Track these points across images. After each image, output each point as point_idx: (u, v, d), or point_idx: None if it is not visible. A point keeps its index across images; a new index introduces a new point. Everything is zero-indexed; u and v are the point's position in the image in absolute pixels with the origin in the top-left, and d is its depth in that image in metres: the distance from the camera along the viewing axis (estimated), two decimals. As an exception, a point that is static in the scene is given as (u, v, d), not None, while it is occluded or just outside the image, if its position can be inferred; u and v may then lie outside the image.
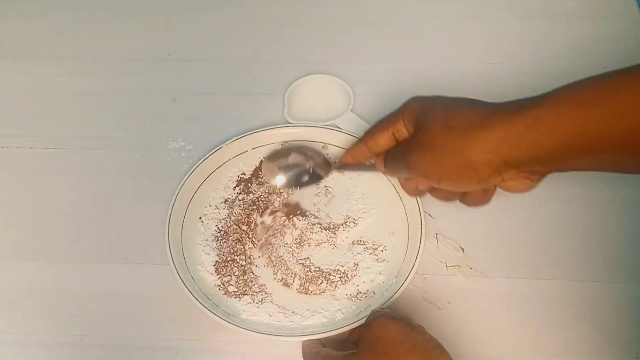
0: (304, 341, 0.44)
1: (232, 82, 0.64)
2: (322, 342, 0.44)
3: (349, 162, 0.49)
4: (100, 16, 0.71)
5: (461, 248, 0.51)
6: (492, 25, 0.67)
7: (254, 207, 0.53)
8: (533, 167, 0.37)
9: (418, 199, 0.50)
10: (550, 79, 0.61)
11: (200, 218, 0.53)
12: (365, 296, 0.48)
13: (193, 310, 0.45)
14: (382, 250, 0.50)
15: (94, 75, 0.65)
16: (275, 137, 0.56)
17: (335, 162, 0.53)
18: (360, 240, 0.51)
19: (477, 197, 0.43)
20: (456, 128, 0.38)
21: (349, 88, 0.60)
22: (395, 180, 0.52)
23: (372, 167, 0.49)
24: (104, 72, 0.65)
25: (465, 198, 0.43)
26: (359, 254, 0.50)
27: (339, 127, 0.57)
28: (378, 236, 0.51)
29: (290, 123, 0.58)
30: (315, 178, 0.51)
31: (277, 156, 0.52)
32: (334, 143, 0.56)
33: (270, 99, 0.61)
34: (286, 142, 0.55)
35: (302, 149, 0.52)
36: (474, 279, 0.49)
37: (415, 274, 0.46)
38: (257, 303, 0.47)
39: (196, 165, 0.53)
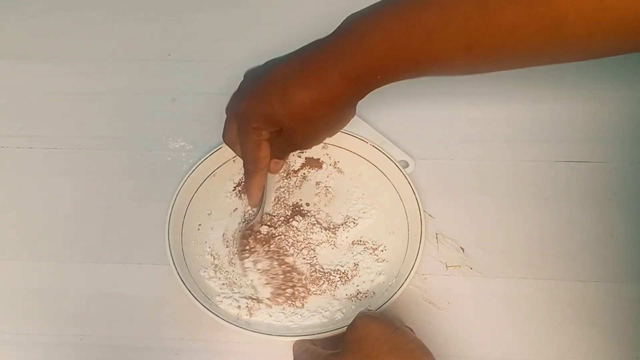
0: (295, 341, 0.44)
1: (232, 82, 0.64)
2: (313, 341, 0.44)
3: (258, 195, 0.50)
4: (100, 16, 0.71)
5: (461, 248, 0.51)
6: None
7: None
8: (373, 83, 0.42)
9: (418, 199, 0.50)
10: (550, 79, 0.62)
11: (200, 218, 0.52)
12: (365, 296, 0.48)
13: (193, 310, 0.45)
14: (382, 250, 0.50)
15: (94, 75, 0.65)
16: (275, 137, 0.56)
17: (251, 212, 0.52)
18: (360, 240, 0.51)
19: None
20: (316, 117, 0.43)
21: (349, 88, 0.60)
22: (395, 181, 0.52)
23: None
24: (104, 72, 0.65)
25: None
26: (359, 254, 0.50)
27: (339, 127, 0.57)
28: (378, 236, 0.51)
29: (290, 123, 0.58)
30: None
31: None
32: (334, 143, 0.56)
33: (270, 99, 0.61)
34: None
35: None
36: (474, 279, 0.49)
37: (415, 274, 0.46)
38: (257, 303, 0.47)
39: (196, 165, 0.53)
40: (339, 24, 0.43)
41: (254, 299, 0.47)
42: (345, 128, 0.56)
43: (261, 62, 0.65)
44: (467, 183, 0.55)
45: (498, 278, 0.49)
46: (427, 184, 0.54)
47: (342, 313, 0.47)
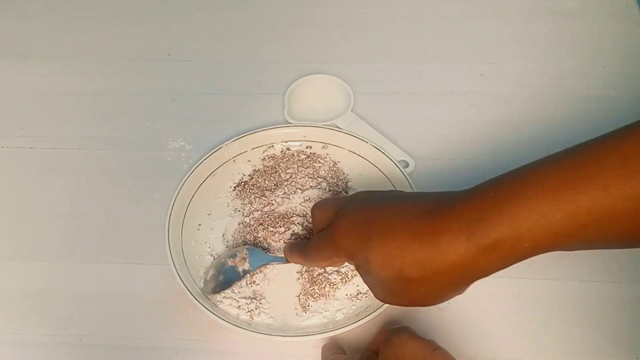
0: (324, 345, 0.44)
1: (232, 82, 0.64)
2: (343, 349, 0.44)
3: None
4: (100, 16, 0.71)
5: (461, 248, 0.50)
6: (492, 25, 0.67)
7: (255, 208, 0.53)
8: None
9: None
10: (550, 79, 0.62)
11: (200, 218, 0.52)
12: (366, 296, 0.48)
13: (193, 310, 0.45)
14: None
15: (94, 75, 0.65)
16: (275, 137, 0.56)
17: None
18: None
19: None
20: (411, 276, 0.33)
21: (349, 88, 0.60)
22: (395, 181, 0.52)
23: None
24: (104, 72, 0.65)
25: None
26: (359, 254, 0.50)
27: (339, 127, 0.57)
28: (378, 236, 0.51)
29: (290, 123, 0.58)
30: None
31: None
32: (334, 143, 0.56)
33: (270, 99, 0.61)
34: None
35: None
36: (474, 279, 0.49)
37: (415, 274, 0.46)
38: (257, 303, 0.47)
39: (196, 165, 0.53)
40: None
41: (253, 298, 0.47)
42: (345, 128, 0.57)
43: (261, 61, 0.66)
44: (467, 183, 0.54)
45: (498, 278, 0.48)
46: (427, 184, 0.54)
47: (342, 313, 0.47)
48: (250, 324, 0.46)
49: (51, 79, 0.65)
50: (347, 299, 0.48)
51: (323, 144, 0.56)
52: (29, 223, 0.54)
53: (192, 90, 0.63)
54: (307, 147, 0.56)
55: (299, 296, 0.48)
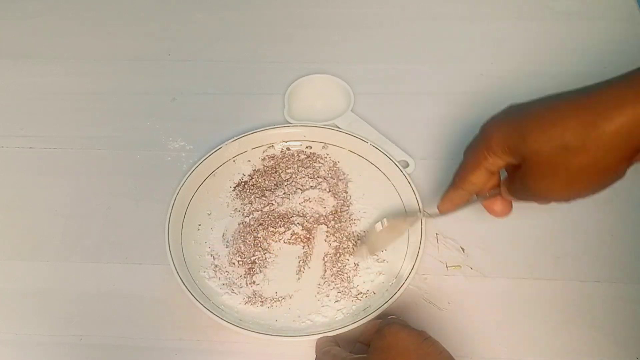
0: (318, 339, 0.44)
1: (232, 82, 0.64)
2: (337, 342, 0.44)
3: (448, 209, 0.44)
4: (100, 16, 0.71)
5: (461, 248, 0.51)
6: (492, 25, 0.67)
7: (255, 208, 0.53)
8: None
9: (418, 199, 0.50)
10: (550, 79, 0.62)
11: (200, 218, 0.52)
12: (366, 296, 0.48)
13: (193, 310, 0.45)
14: (382, 251, 0.50)
15: (94, 75, 0.65)
16: (275, 137, 0.56)
17: (425, 213, 0.49)
18: (361, 240, 0.51)
19: None
20: (573, 144, 0.33)
21: (349, 88, 0.60)
22: (395, 181, 0.52)
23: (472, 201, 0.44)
24: (104, 72, 0.65)
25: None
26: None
27: (339, 127, 0.57)
28: (378, 236, 0.51)
29: (290, 123, 0.58)
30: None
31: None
32: (334, 143, 0.56)
33: (270, 99, 0.61)
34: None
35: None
36: (474, 279, 0.49)
37: (415, 274, 0.46)
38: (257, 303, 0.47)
39: (196, 165, 0.53)
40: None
41: (253, 298, 0.47)
42: (344, 128, 0.57)
43: (261, 61, 0.66)
44: (467, 183, 0.55)
45: (498, 278, 0.49)
46: (427, 184, 0.54)
47: (342, 313, 0.47)
48: (250, 324, 0.46)
49: (51, 79, 0.65)
50: (347, 299, 0.48)
51: (323, 144, 0.56)
52: (29, 223, 0.54)
53: (192, 90, 0.63)
54: (307, 147, 0.56)
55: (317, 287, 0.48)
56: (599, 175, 0.34)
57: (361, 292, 0.48)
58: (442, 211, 0.45)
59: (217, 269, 0.50)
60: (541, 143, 0.34)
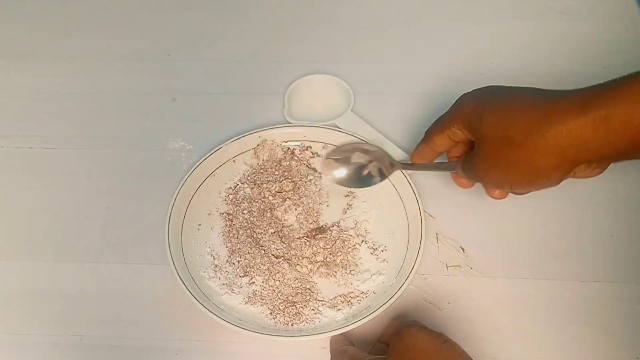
0: (332, 337, 0.45)
1: (232, 82, 0.64)
2: (351, 341, 0.44)
3: (416, 161, 0.49)
4: (100, 16, 0.71)
5: (461, 248, 0.51)
6: (492, 25, 0.67)
7: (255, 208, 0.53)
8: (604, 163, 0.36)
9: (418, 199, 0.50)
10: (550, 79, 0.62)
11: (200, 218, 0.52)
12: (366, 296, 0.48)
13: (193, 310, 0.45)
14: (382, 251, 0.50)
15: (93, 75, 0.65)
16: (276, 137, 0.56)
17: (399, 162, 0.51)
18: (361, 240, 0.51)
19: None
20: (515, 139, 0.36)
21: (349, 88, 0.60)
22: (395, 181, 0.52)
23: (437, 167, 0.49)
24: (104, 72, 0.65)
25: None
26: (360, 254, 0.50)
27: (339, 127, 0.57)
28: (378, 236, 0.51)
29: (290, 123, 0.58)
30: (380, 177, 0.51)
31: (339, 152, 0.53)
32: (334, 143, 0.56)
33: (270, 99, 0.61)
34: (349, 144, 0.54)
35: (367, 149, 0.52)
36: (474, 279, 0.49)
37: (415, 274, 0.46)
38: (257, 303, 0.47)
39: (196, 165, 0.53)
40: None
41: (253, 298, 0.48)
42: (345, 128, 0.57)
43: (261, 61, 0.66)
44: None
45: (498, 278, 0.49)
46: (427, 184, 0.54)
47: (342, 313, 0.47)
48: (250, 323, 0.46)
49: (51, 79, 0.65)
50: (347, 299, 0.48)
51: (323, 144, 0.56)
52: (29, 223, 0.54)
53: (192, 90, 0.63)
54: (307, 147, 0.56)
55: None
56: (530, 175, 0.37)
57: (361, 292, 0.48)
58: (414, 161, 0.49)
59: (217, 269, 0.50)
60: (492, 129, 0.37)
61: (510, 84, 0.61)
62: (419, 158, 0.48)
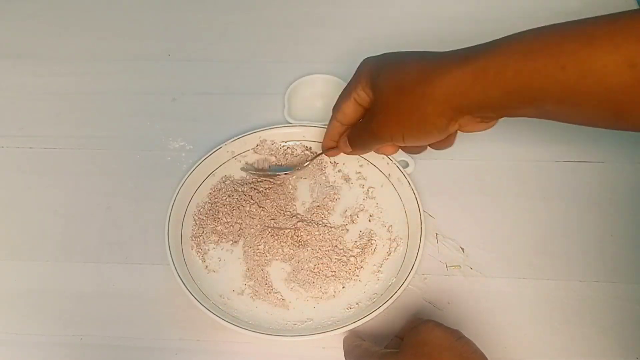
0: (345, 337, 0.45)
1: (232, 82, 0.64)
2: (363, 339, 0.45)
3: (329, 145, 0.50)
4: (100, 16, 0.71)
5: (461, 248, 0.51)
6: (492, 25, 0.67)
7: (254, 208, 0.53)
8: (484, 114, 0.38)
9: (418, 199, 0.50)
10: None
11: (200, 218, 0.52)
12: (366, 296, 0.48)
13: (193, 310, 0.45)
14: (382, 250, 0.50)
15: (94, 75, 0.65)
16: (275, 137, 0.56)
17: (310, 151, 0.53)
18: (360, 240, 0.51)
19: (441, 144, 0.44)
20: (406, 87, 0.39)
21: (349, 88, 0.60)
22: (395, 181, 0.52)
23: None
24: (104, 72, 0.65)
25: (432, 146, 0.44)
26: (359, 254, 0.50)
27: (339, 127, 0.57)
28: (378, 236, 0.51)
29: (290, 123, 0.58)
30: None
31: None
32: (334, 143, 0.56)
33: (270, 99, 0.61)
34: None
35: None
36: (474, 279, 0.49)
37: (415, 274, 0.46)
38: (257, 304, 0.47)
39: (196, 165, 0.53)
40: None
41: (253, 298, 0.48)
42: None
43: (261, 61, 0.66)
44: (467, 183, 0.55)
45: (498, 278, 0.49)
46: (427, 184, 0.54)
47: (343, 313, 0.47)
48: (251, 324, 0.46)
49: (51, 79, 0.65)
50: (347, 300, 0.48)
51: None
52: (28, 223, 0.54)
53: (192, 90, 0.63)
54: (307, 147, 0.56)
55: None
56: (419, 122, 0.39)
57: (361, 292, 0.48)
58: (324, 146, 0.51)
59: (217, 268, 0.50)
60: (387, 81, 0.40)
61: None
62: (329, 140, 0.49)
